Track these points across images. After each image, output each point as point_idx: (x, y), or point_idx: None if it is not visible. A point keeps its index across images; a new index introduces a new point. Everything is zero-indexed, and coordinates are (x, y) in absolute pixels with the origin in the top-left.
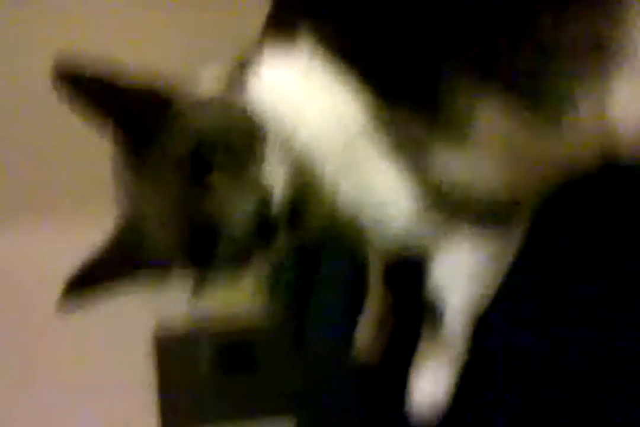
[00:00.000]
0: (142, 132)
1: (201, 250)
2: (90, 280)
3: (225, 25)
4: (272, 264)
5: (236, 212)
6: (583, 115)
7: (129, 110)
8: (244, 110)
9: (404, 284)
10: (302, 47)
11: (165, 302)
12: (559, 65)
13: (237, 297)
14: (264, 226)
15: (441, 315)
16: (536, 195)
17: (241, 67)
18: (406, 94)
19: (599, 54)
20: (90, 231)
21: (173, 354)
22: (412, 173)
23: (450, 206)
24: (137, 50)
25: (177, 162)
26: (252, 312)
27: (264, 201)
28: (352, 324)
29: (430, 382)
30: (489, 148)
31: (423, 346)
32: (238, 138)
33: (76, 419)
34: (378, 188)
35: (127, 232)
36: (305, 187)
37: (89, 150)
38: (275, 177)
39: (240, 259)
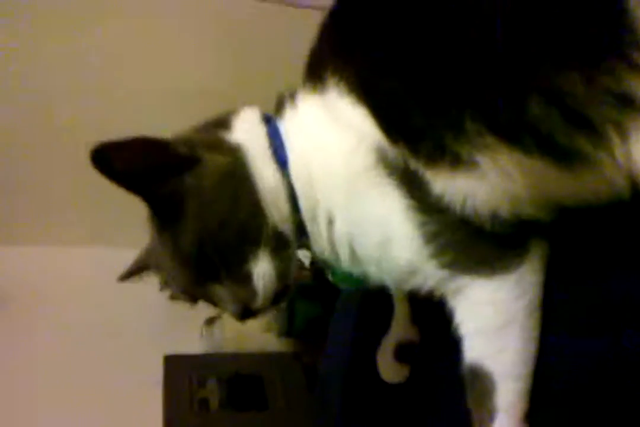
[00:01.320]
0: (164, 210)
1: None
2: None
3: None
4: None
5: (225, 305)
6: (599, 164)
7: (153, 192)
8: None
9: (430, 318)
10: (330, 88)
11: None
12: (581, 119)
13: (250, 330)
14: (247, 314)
15: (489, 383)
16: (547, 219)
17: (280, 101)
18: (412, 132)
19: (625, 107)
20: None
21: (182, 373)
22: (415, 203)
23: (453, 231)
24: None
25: (185, 258)
26: (262, 349)
27: (249, 300)
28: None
29: None
30: (494, 180)
31: (477, 421)
32: (234, 241)
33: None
34: (380, 224)
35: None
36: (291, 268)
37: None
38: (262, 276)
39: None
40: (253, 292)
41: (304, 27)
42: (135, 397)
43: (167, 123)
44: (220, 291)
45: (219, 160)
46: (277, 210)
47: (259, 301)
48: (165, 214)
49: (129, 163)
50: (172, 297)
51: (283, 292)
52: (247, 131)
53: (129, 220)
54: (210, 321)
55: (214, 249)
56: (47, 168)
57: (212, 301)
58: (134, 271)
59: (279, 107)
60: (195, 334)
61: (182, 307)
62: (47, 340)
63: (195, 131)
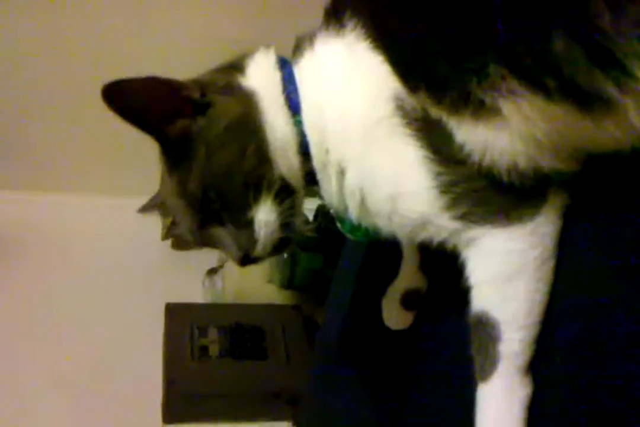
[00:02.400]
0: (174, 152)
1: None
2: None
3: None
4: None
5: (227, 249)
6: (622, 108)
7: (163, 130)
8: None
9: (438, 266)
10: (348, 32)
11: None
12: (606, 56)
13: (251, 281)
14: (247, 260)
15: (494, 331)
16: (566, 169)
17: (297, 45)
18: (434, 79)
19: None
20: None
21: (183, 322)
22: (433, 152)
23: (470, 182)
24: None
25: (191, 200)
26: (263, 300)
27: (249, 246)
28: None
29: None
30: (516, 127)
31: (479, 367)
32: (238, 187)
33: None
34: (394, 175)
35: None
36: (295, 215)
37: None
38: (264, 223)
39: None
40: (253, 239)
41: None
42: (136, 344)
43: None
44: (222, 235)
45: (231, 106)
46: (285, 160)
47: (259, 248)
48: (175, 156)
49: (139, 101)
50: (175, 246)
51: (284, 243)
52: (261, 76)
53: (136, 171)
54: (212, 272)
55: (218, 194)
56: (48, 116)
57: (215, 245)
58: (154, 205)
59: (297, 50)
60: (197, 284)
61: (184, 257)
62: (50, 285)
63: (210, 73)
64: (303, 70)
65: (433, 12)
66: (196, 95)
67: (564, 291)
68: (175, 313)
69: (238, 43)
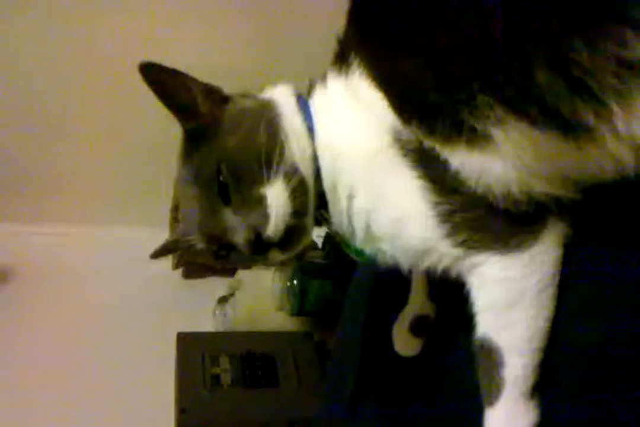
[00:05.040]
0: (195, 134)
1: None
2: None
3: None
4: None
5: (237, 235)
6: (602, 136)
7: (190, 111)
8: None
9: (446, 293)
10: (353, 70)
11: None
12: (584, 89)
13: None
14: (258, 245)
15: (497, 357)
16: (561, 195)
17: (311, 84)
18: (426, 110)
19: (629, 76)
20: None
21: (194, 351)
22: (429, 182)
23: (467, 211)
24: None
25: (203, 182)
26: (274, 327)
27: (260, 225)
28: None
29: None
30: (507, 154)
31: (485, 393)
32: (250, 161)
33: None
34: (396, 203)
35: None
36: (306, 208)
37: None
38: (276, 199)
39: (247, 263)
40: (265, 216)
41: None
42: (148, 373)
43: None
44: (233, 219)
45: (249, 101)
46: (298, 148)
47: (271, 226)
48: (196, 140)
49: (171, 82)
50: (186, 276)
51: (296, 230)
52: (279, 93)
53: (145, 201)
54: (222, 300)
55: (231, 171)
56: (61, 149)
57: (225, 235)
58: (165, 251)
59: (310, 88)
60: (208, 313)
61: (195, 286)
62: (62, 316)
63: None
64: (316, 103)
65: (424, 49)
66: (217, 88)
67: (570, 320)
68: (187, 342)
69: (243, 71)
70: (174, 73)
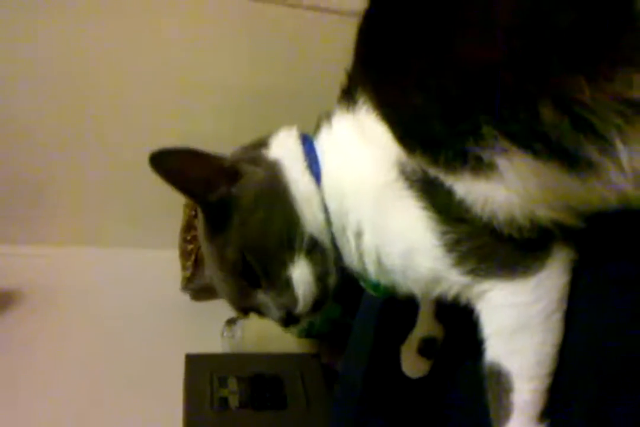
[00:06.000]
0: (212, 213)
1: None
2: None
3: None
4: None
5: (269, 312)
6: (605, 171)
7: (205, 197)
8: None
9: (454, 315)
10: (360, 106)
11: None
12: (588, 126)
13: (270, 331)
14: (290, 320)
15: (506, 382)
16: (565, 221)
17: (318, 122)
18: (430, 140)
19: (632, 114)
20: None
21: (202, 372)
22: (435, 212)
23: (473, 239)
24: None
25: (230, 267)
26: (282, 349)
27: (290, 305)
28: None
29: None
30: (511, 182)
31: (494, 417)
32: (273, 248)
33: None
34: (403, 235)
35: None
36: (327, 272)
37: None
38: (301, 281)
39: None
40: (294, 298)
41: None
42: (156, 395)
43: (187, 118)
44: (264, 298)
45: (258, 173)
46: (312, 218)
47: (300, 306)
48: (215, 224)
49: (182, 168)
50: (194, 297)
51: (323, 299)
52: (283, 148)
53: (153, 223)
54: (231, 322)
55: (255, 257)
56: (70, 170)
57: (258, 310)
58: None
59: (317, 126)
60: (216, 334)
61: (203, 307)
62: (70, 339)
63: (240, 150)
64: (322, 142)
65: (431, 82)
66: (227, 164)
67: (579, 342)
68: (195, 364)
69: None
70: (184, 156)
